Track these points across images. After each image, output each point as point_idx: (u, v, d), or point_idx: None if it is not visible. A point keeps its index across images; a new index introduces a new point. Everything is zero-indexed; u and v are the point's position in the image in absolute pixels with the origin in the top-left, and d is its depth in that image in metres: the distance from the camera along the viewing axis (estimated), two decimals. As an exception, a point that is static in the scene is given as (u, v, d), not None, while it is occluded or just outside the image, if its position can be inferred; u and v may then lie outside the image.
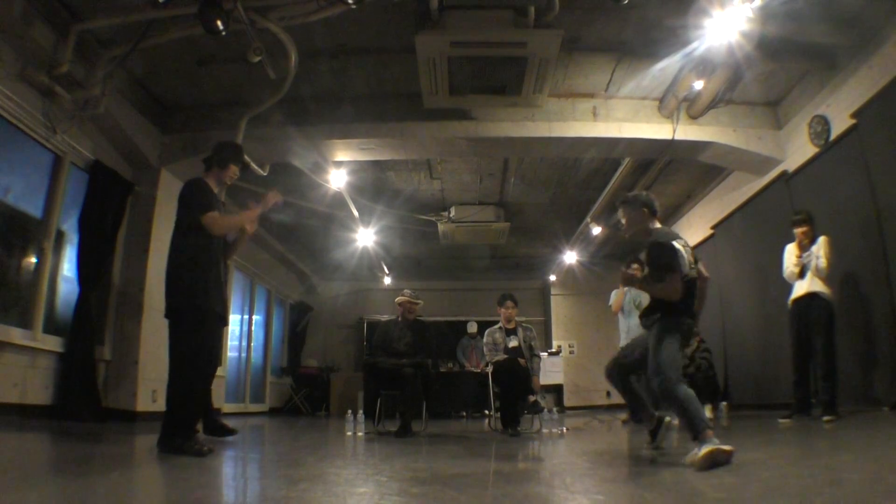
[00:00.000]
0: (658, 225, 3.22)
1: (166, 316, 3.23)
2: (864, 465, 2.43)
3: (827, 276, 4.63)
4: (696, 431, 2.54)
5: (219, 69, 5.57)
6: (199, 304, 3.17)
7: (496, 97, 5.55)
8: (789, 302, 4.86)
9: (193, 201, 3.26)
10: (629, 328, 6.26)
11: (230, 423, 4.94)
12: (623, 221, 3.31)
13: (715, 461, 2.35)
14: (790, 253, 4.88)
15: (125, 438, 4.08)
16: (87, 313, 5.22)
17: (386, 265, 11.34)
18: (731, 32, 4.52)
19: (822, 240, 4.69)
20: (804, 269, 4.72)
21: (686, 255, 2.98)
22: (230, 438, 4.27)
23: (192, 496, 2.02)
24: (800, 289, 4.75)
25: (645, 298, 6.19)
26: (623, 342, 6.31)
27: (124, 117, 5.61)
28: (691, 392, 2.72)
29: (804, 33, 4.92)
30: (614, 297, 6.46)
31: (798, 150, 5.95)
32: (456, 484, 2.24)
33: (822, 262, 4.59)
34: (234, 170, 3.48)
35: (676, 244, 2.97)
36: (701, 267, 3.19)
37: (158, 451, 3.05)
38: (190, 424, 3.15)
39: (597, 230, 8.87)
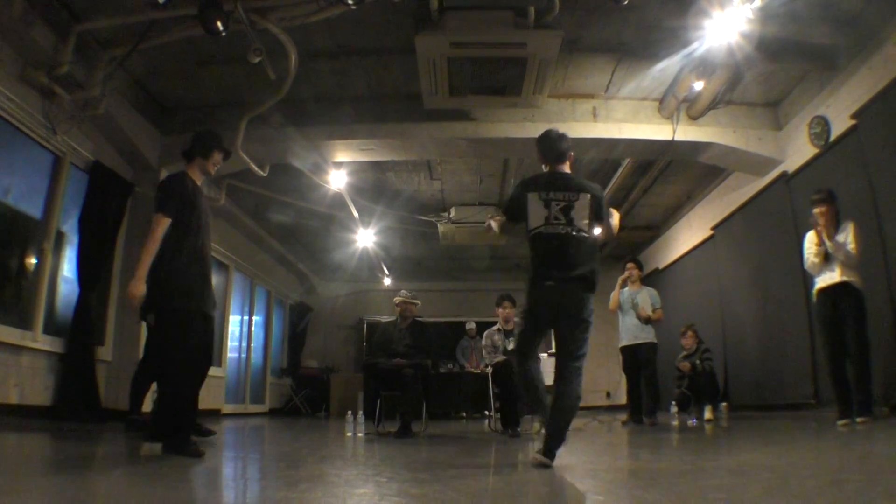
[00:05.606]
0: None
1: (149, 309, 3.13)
2: (865, 466, 2.43)
3: (857, 264, 4.21)
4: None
5: (219, 70, 5.57)
6: (177, 305, 3.09)
7: (496, 98, 5.56)
8: (814, 292, 4.43)
9: (156, 197, 3.21)
10: (626, 327, 6.26)
11: (230, 423, 4.95)
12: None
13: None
14: (810, 241, 4.40)
15: (125, 439, 4.07)
16: (87, 314, 5.22)
17: (386, 266, 11.34)
18: (730, 33, 4.52)
19: (849, 226, 4.25)
20: (827, 257, 4.26)
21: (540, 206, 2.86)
22: (208, 438, 4.21)
23: (192, 497, 2.01)
24: (828, 278, 4.28)
25: (641, 298, 6.25)
26: (622, 342, 6.31)
27: (124, 118, 5.61)
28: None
29: (804, 34, 4.92)
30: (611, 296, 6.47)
31: (798, 151, 5.95)
32: (456, 485, 2.24)
33: (852, 249, 4.15)
34: (217, 157, 3.42)
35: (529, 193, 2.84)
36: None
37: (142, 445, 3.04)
38: (170, 423, 3.09)
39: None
